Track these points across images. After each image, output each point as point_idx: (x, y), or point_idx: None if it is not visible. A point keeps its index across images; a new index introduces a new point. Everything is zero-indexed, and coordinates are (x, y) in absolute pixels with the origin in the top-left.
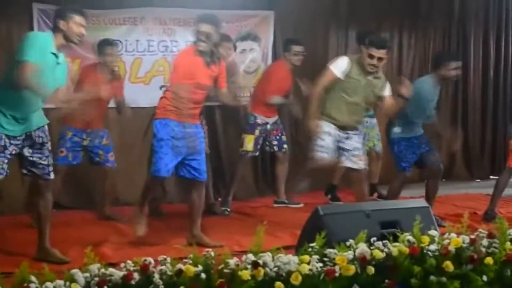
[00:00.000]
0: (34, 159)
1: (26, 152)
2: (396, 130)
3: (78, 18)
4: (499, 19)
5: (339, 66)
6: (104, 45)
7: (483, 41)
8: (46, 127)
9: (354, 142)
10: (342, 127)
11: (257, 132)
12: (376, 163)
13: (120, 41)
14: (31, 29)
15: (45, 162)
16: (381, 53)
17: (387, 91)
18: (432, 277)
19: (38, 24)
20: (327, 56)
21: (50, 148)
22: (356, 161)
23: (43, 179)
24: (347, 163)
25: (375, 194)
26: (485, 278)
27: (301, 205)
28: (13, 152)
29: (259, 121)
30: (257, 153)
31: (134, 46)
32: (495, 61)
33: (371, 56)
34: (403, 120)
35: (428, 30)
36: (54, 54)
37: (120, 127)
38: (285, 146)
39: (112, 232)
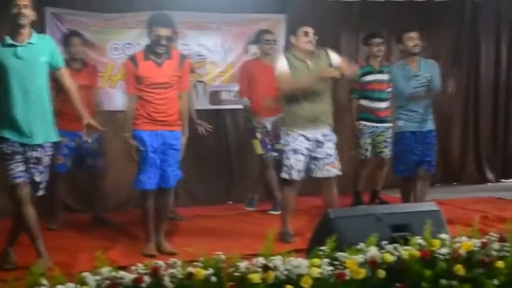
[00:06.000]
0: (32, 171)
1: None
2: (400, 123)
3: None
4: (511, 24)
5: (283, 65)
6: (69, 37)
7: (495, 45)
8: (49, 146)
9: (326, 149)
10: (311, 128)
11: (258, 135)
12: (381, 170)
13: (132, 44)
14: (43, 33)
15: (38, 179)
16: (309, 29)
17: (335, 61)
18: (443, 281)
19: (50, 28)
20: None
21: (47, 164)
22: (328, 168)
23: (33, 192)
24: (317, 173)
25: (377, 201)
26: (496, 281)
27: None
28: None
29: (255, 124)
30: (273, 154)
31: None
32: (507, 67)
33: (306, 34)
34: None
35: (439, 35)
36: (10, 45)
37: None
38: None
39: (121, 235)
